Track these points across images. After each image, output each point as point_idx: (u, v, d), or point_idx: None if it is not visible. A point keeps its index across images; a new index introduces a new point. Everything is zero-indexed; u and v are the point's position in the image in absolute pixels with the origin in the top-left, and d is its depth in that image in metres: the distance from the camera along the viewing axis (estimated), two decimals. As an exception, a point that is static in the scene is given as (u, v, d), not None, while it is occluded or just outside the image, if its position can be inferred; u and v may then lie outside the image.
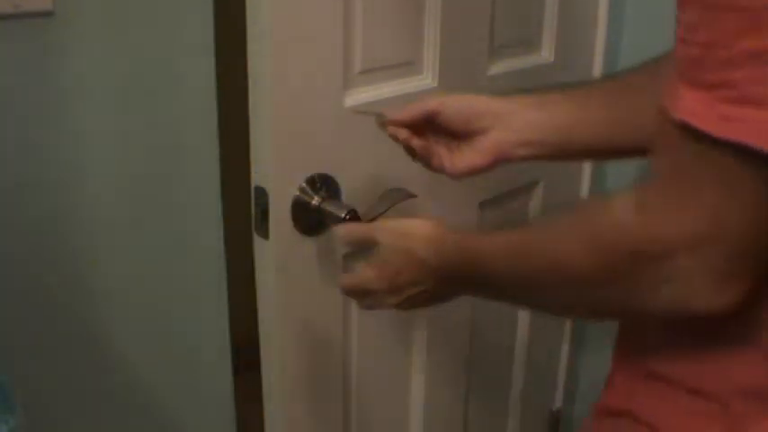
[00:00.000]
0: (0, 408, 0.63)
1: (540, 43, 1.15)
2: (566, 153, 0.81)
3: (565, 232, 0.61)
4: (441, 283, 0.73)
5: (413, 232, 0.74)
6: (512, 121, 0.80)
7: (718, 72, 0.47)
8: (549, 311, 0.73)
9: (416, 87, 0.97)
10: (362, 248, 0.78)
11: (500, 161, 0.82)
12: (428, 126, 0.81)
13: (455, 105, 0.81)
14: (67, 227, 1.00)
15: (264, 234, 0.85)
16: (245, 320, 1.19)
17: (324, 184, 0.88)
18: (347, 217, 0.84)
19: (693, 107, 0.48)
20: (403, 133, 0.81)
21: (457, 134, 0.81)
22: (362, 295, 0.77)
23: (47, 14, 0.91)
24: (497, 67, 1.07)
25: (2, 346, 0.93)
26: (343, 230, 0.80)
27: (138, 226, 1.05)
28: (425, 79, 0.98)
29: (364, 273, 0.76)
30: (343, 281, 0.78)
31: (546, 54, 1.16)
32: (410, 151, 0.82)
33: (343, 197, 0.90)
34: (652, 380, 0.65)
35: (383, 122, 0.81)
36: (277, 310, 0.88)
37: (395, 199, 0.89)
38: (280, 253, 0.86)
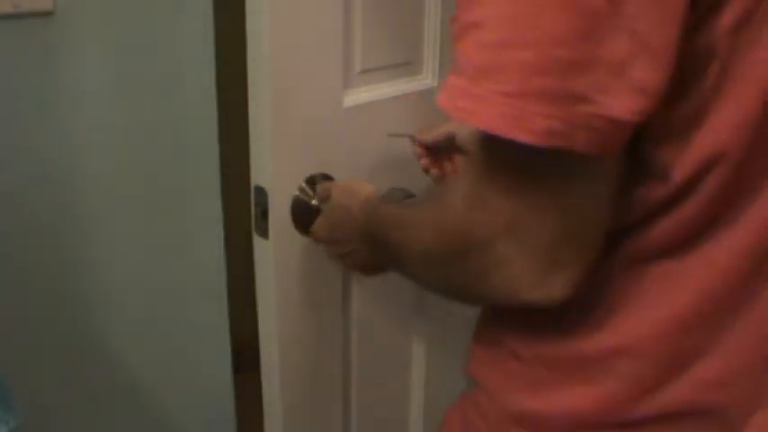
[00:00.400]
0: (0, 408, 0.63)
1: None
2: None
3: (420, 212, 0.64)
4: (364, 243, 0.77)
5: (357, 191, 0.80)
6: None
7: (454, 46, 0.48)
8: (423, 288, 0.73)
9: (416, 87, 0.96)
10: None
11: None
12: (452, 146, 0.88)
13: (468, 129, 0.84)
14: (67, 227, 1.00)
15: (264, 234, 0.85)
16: (245, 320, 1.19)
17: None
18: (347, 217, 0.84)
19: (445, 87, 0.49)
20: (424, 161, 0.91)
21: None
22: (317, 243, 0.86)
23: (47, 14, 0.91)
24: (497, 67, 1.06)
25: (2, 346, 0.93)
26: (318, 187, 0.87)
27: (138, 226, 1.05)
28: (425, 79, 0.98)
29: (316, 222, 0.84)
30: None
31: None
32: (427, 173, 0.92)
33: (343, 197, 0.90)
34: (491, 346, 0.69)
35: (413, 143, 0.91)
36: (277, 309, 0.88)
37: (394, 198, 0.90)
38: (280, 252, 0.86)
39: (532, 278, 0.52)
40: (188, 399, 1.17)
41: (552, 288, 0.52)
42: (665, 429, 0.60)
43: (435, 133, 0.89)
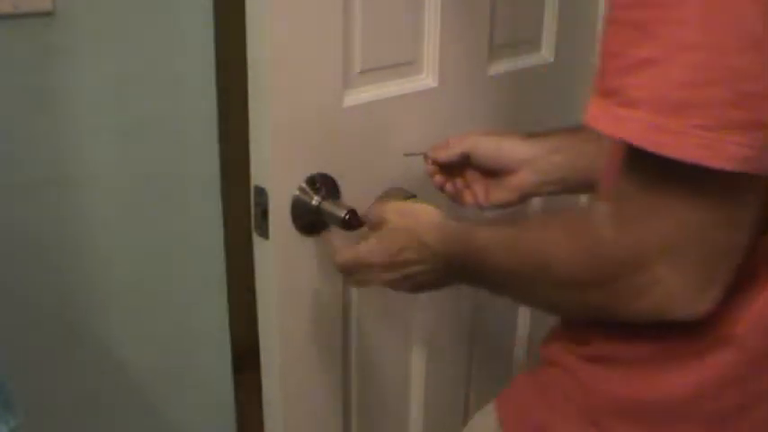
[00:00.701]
0: (0, 408, 0.63)
1: (539, 43, 1.15)
2: (587, 187, 0.84)
3: (554, 235, 0.64)
4: (439, 266, 0.76)
5: (419, 215, 0.79)
6: (538, 164, 0.88)
7: (615, 79, 0.53)
8: (536, 307, 0.75)
9: (416, 87, 0.96)
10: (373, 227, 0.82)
11: (526, 198, 0.91)
12: (464, 163, 0.91)
13: (485, 147, 0.90)
14: (67, 226, 1.00)
15: (264, 234, 0.85)
16: (245, 320, 1.19)
17: (323, 183, 0.87)
18: (347, 217, 0.84)
19: (595, 112, 0.54)
20: (438, 178, 0.92)
21: (488, 172, 0.90)
22: (359, 269, 0.81)
23: (47, 14, 0.91)
24: (497, 67, 1.06)
25: (2, 346, 0.94)
26: (371, 210, 0.85)
27: (138, 226, 1.06)
28: (425, 79, 0.98)
29: (367, 245, 0.79)
30: (343, 253, 0.81)
31: (546, 54, 1.15)
32: (442, 191, 0.93)
33: (343, 197, 0.90)
34: (583, 333, 0.70)
35: (426, 161, 0.92)
36: (277, 310, 0.88)
37: (394, 198, 0.90)
38: (280, 253, 0.86)
39: (688, 296, 0.55)
40: (188, 399, 1.17)
41: (703, 304, 0.56)
42: (748, 422, 0.63)
43: (450, 151, 0.90)
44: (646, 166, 0.54)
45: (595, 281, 0.59)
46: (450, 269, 0.75)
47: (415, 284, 0.79)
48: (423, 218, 0.79)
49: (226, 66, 1.08)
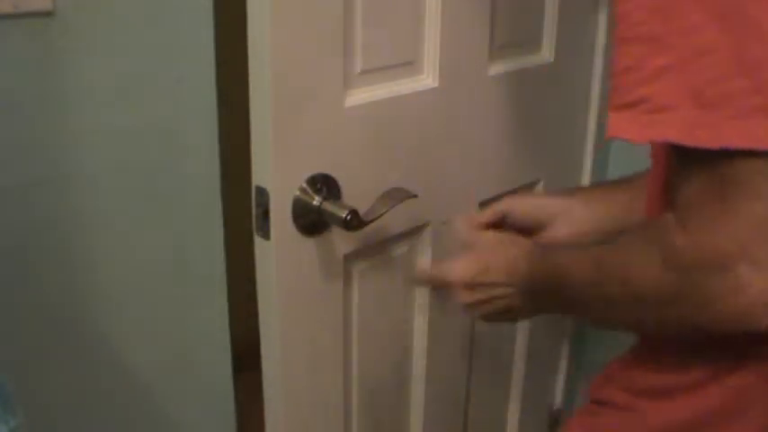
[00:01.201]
0: (0, 408, 0.63)
1: (540, 43, 1.15)
2: None
3: (634, 250, 0.64)
4: (525, 289, 0.77)
5: (508, 238, 0.83)
6: (572, 215, 0.92)
7: (635, 91, 0.56)
8: (620, 327, 0.74)
9: (417, 87, 0.96)
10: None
11: None
12: (501, 223, 0.94)
13: (523, 207, 0.94)
14: (67, 227, 1.00)
15: (265, 234, 0.85)
16: (245, 320, 1.19)
17: (324, 184, 0.87)
18: (348, 217, 0.84)
19: (620, 125, 0.57)
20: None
21: (526, 229, 0.93)
22: (438, 284, 0.85)
23: (47, 14, 0.91)
24: (498, 67, 1.06)
25: (2, 346, 0.93)
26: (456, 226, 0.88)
27: (138, 226, 1.05)
28: (426, 79, 0.98)
29: (452, 263, 0.82)
30: (427, 269, 0.87)
31: (546, 54, 1.16)
32: None
33: (344, 197, 0.90)
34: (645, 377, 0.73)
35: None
36: (278, 310, 0.88)
37: (395, 199, 0.90)
38: (281, 253, 0.86)
39: None
40: (188, 399, 1.17)
41: None
42: None
43: (486, 215, 0.93)
44: (700, 168, 0.56)
45: (673, 294, 0.59)
46: (534, 290, 0.76)
47: (496, 310, 0.80)
48: (512, 239, 0.82)
49: (226, 66, 1.08)
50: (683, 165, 0.57)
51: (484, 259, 0.80)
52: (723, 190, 0.55)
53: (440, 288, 0.84)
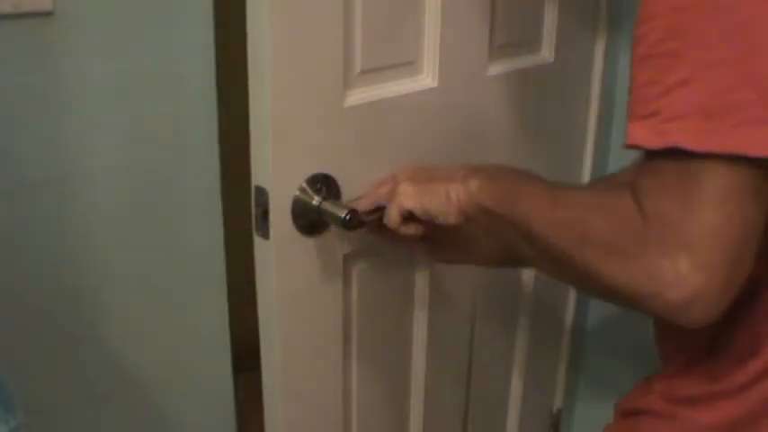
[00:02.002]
0: (0, 408, 0.63)
1: (539, 43, 1.15)
2: None
3: (596, 201, 0.70)
4: (473, 182, 0.80)
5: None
6: None
7: (654, 103, 0.60)
8: (548, 259, 0.76)
9: (416, 87, 0.96)
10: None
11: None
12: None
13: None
14: (67, 226, 1.00)
15: (265, 234, 0.85)
16: (245, 320, 1.19)
17: (324, 184, 0.87)
18: (347, 217, 0.84)
19: (638, 134, 0.61)
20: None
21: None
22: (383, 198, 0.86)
23: (47, 14, 0.91)
24: (497, 68, 1.06)
25: (2, 346, 0.93)
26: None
27: (138, 226, 1.05)
28: (425, 79, 0.98)
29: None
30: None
31: (546, 54, 1.16)
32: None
33: (344, 197, 0.90)
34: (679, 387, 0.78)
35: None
36: (278, 310, 0.88)
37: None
38: (280, 253, 0.86)
39: (707, 298, 0.59)
40: (188, 399, 1.17)
41: (717, 308, 0.60)
42: None
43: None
44: (668, 166, 0.61)
45: (619, 251, 0.64)
46: (481, 189, 0.80)
47: (440, 199, 0.81)
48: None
49: (226, 66, 1.08)
50: (652, 158, 0.62)
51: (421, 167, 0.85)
52: (686, 192, 0.59)
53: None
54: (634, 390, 0.84)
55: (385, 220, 0.85)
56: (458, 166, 0.83)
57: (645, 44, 0.61)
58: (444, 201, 0.81)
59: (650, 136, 0.61)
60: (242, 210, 1.07)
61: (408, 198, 0.83)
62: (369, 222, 0.86)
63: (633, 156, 0.74)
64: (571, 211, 0.70)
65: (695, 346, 0.75)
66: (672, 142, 0.59)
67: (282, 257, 0.86)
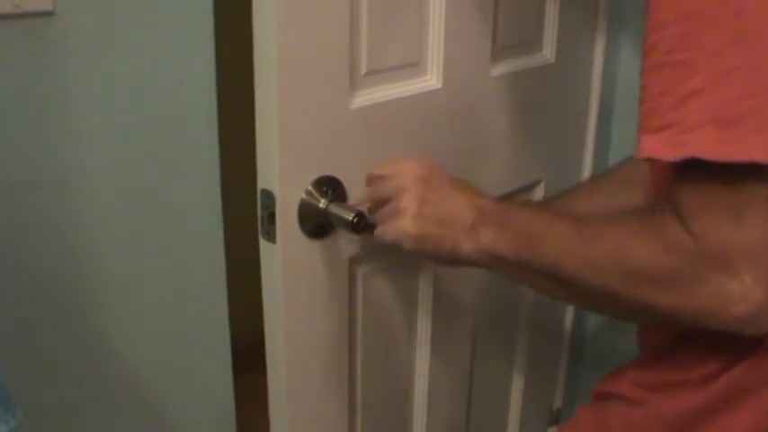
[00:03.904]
0: (0, 408, 0.62)
1: (541, 44, 1.15)
2: None
3: (630, 231, 0.66)
4: (481, 211, 0.77)
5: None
6: None
7: (669, 114, 0.59)
8: (580, 297, 0.75)
9: (421, 89, 0.96)
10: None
11: None
12: None
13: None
14: (67, 227, 0.99)
15: (271, 238, 0.85)
16: (245, 321, 1.19)
17: (331, 186, 0.87)
18: (355, 220, 0.84)
19: (653, 146, 0.60)
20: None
21: None
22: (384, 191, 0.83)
23: (47, 14, 0.90)
24: (500, 68, 1.07)
25: (2, 346, 0.93)
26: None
27: (138, 226, 1.05)
28: (430, 80, 0.98)
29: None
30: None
31: (547, 55, 1.16)
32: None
33: (350, 199, 0.90)
34: (660, 374, 0.77)
35: None
36: (283, 313, 0.88)
37: None
38: (287, 257, 0.86)
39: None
40: (188, 399, 1.17)
41: None
42: None
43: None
44: (708, 178, 0.59)
45: (676, 279, 0.62)
46: (488, 218, 0.77)
47: (431, 217, 0.79)
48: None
49: (226, 66, 1.07)
50: (686, 175, 0.61)
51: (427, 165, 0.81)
52: (737, 206, 0.59)
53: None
54: (608, 375, 0.84)
55: (377, 233, 0.83)
56: (466, 200, 0.78)
57: (656, 53, 0.61)
58: (449, 253, 0.79)
59: (666, 148, 0.60)
60: (242, 210, 1.07)
61: (409, 240, 0.79)
62: (376, 225, 0.86)
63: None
64: (607, 245, 0.67)
65: (668, 335, 0.75)
66: (689, 153, 0.58)
67: (289, 261, 0.86)
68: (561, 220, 0.73)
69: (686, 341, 0.73)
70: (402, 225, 0.79)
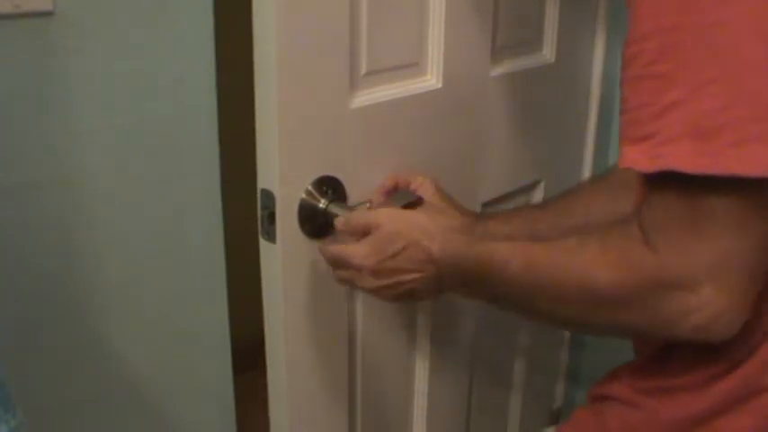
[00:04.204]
0: (0, 408, 0.62)
1: (541, 44, 1.15)
2: None
3: (591, 253, 0.67)
4: (433, 274, 0.78)
5: (416, 221, 0.80)
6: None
7: (648, 126, 0.60)
8: (553, 323, 0.77)
9: (421, 89, 0.96)
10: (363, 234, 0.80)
11: None
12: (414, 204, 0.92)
13: (433, 198, 0.94)
14: (67, 227, 0.99)
15: (271, 238, 0.85)
16: (245, 320, 1.19)
17: (330, 186, 0.87)
18: (355, 220, 0.84)
19: (633, 157, 0.61)
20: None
21: None
22: (341, 266, 0.82)
23: (47, 14, 0.90)
24: (500, 68, 1.07)
25: (2, 346, 0.93)
26: (343, 219, 0.84)
27: (138, 226, 1.05)
28: (430, 80, 0.98)
29: (354, 246, 0.80)
30: (326, 246, 0.82)
31: (547, 55, 1.16)
32: None
33: (350, 199, 0.90)
34: (653, 377, 0.77)
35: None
36: (283, 313, 0.88)
37: (401, 202, 0.90)
38: (287, 256, 0.86)
39: (730, 317, 0.61)
40: (188, 399, 1.17)
41: (740, 323, 0.61)
42: None
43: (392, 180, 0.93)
44: (673, 195, 0.60)
45: (638, 300, 0.63)
46: (447, 279, 0.77)
47: (402, 293, 0.80)
48: (421, 224, 0.79)
49: (226, 66, 1.07)
50: (654, 188, 0.62)
51: (389, 245, 0.78)
52: (696, 219, 0.59)
53: (339, 268, 0.82)
54: (604, 377, 0.84)
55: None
56: (426, 243, 0.77)
57: (636, 65, 0.61)
58: (408, 298, 0.81)
59: (644, 159, 0.60)
60: (242, 210, 1.07)
61: (366, 281, 0.80)
62: None
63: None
64: (572, 276, 0.68)
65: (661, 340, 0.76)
66: (666, 165, 0.59)
67: (289, 261, 0.86)
68: (515, 249, 0.73)
69: (680, 345, 0.74)
70: (359, 270, 0.81)
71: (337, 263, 0.82)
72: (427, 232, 0.78)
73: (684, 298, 0.60)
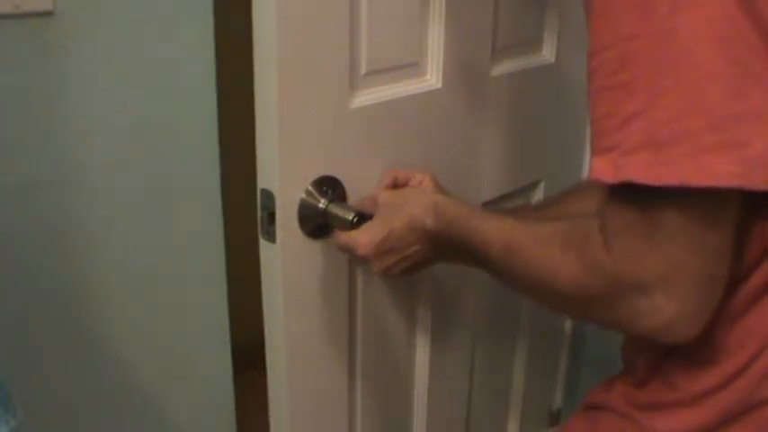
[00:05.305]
0: (0, 408, 0.62)
1: (541, 44, 1.15)
2: None
3: (553, 252, 0.69)
4: (432, 244, 0.83)
5: (411, 194, 0.87)
6: None
7: (612, 136, 0.60)
8: (533, 301, 0.79)
9: (421, 89, 0.96)
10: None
11: None
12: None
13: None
14: (67, 227, 0.99)
15: (271, 237, 0.85)
16: (245, 321, 1.19)
17: (330, 186, 0.87)
18: (354, 220, 0.84)
19: (599, 168, 0.61)
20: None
21: None
22: (352, 254, 0.88)
23: (47, 14, 0.90)
24: (500, 68, 1.07)
25: (2, 346, 0.93)
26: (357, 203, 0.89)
27: (138, 226, 1.05)
28: (430, 80, 0.98)
29: (355, 236, 0.85)
30: (337, 238, 0.87)
31: (547, 55, 1.16)
32: None
33: (350, 199, 0.90)
34: (645, 384, 0.78)
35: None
36: (283, 313, 0.88)
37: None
38: (287, 256, 0.86)
39: (683, 323, 0.61)
40: (188, 399, 1.17)
41: (695, 329, 0.62)
42: None
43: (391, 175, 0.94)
44: (630, 206, 0.61)
45: (596, 298, 0.65)
46: (441, 247, 0.82)
47: (409, 267, 0.85)
48: (415, 196, 0.85)
49: (226, 66, 1.07)
50: (615, 196, 0.62)
51: (384, 225, 0.84)
52: (650, 231, 0.60)
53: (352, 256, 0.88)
54: (600, 385, 0.85)
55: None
56: (421, 232, 0.83)
57: (599, 76, 0.61)
58: (416, 269, 0.86)
59: (609, 170, 0.60)
60: (242, 210, 1.07)
61: (374, 266, 0.86)
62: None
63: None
64: (535, 271, 0.71)
65: (656, 351, 0.75)
66: (626, 176, 0.59)
67: (288, 261, 0.86)
68: (496, 243, 0.75)
69: (671, 360, 0.74)
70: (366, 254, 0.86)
71: (348, 252, 0.87)
72: (423, 203, 0.83)
73: (638, 301, 0.62)
